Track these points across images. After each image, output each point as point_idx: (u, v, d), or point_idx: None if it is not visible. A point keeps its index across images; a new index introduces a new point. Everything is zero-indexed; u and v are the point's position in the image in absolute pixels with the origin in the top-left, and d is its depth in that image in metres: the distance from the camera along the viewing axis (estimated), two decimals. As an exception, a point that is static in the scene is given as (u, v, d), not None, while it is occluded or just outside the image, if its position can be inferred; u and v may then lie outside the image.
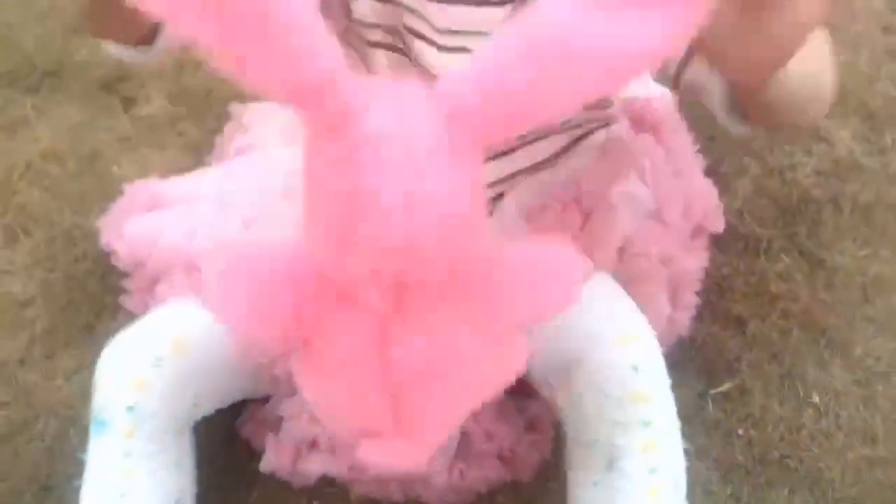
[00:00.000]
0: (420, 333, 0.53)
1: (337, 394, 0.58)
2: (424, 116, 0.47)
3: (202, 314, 0.87)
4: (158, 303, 0.99)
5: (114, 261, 1.11)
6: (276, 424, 1.00)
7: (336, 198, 0.47)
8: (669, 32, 0.45)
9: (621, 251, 1.00)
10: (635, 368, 0.81)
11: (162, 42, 0.79)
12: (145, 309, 1.03)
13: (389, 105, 0.47)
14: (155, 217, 1.10)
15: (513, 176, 0.98)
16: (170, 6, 0.44)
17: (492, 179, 0.96)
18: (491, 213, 0.97)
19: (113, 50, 0.80)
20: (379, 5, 0.85)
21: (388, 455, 0.59)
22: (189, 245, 1.01)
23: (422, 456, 0.59)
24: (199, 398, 0.91)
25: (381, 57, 0.89)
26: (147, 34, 0.77)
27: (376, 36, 0.88)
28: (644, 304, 0.99)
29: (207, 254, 0.72)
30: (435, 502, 1.00)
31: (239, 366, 0.92)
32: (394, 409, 0.56)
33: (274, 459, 0.98)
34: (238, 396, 1.00)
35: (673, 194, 1.08)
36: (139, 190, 1.14)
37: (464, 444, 0.98)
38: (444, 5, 0.81)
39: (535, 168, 1.00)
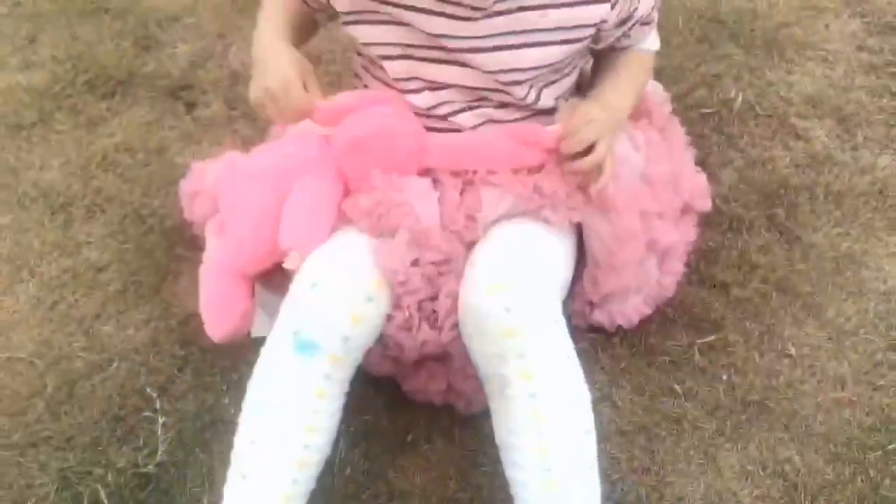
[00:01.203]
0: None
1: None
2: None
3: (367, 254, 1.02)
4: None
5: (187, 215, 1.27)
6: None
7: None
8: None
9: (605, 206, 1.11)
10: (508, 310, 0.94)
11: None
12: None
13: None
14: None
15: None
16: None
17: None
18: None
19: None
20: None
21: None
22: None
23: None
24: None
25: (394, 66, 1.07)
26: None
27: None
28: (630, 252, 1.14)
29: None
30: (463, 400, 1.15)
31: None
32: None
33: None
34: None
35: (661, 158, 1.21)
36: (201, 170, 1.29)
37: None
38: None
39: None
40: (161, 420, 1.19)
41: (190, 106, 1.58)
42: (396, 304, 1.02)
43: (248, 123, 1.55)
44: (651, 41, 1.19)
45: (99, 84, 1.61)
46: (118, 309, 1.31)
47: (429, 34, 1.04)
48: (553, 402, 0.95)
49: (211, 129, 1.54)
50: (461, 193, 1.09)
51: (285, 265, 1.01)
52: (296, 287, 0.99)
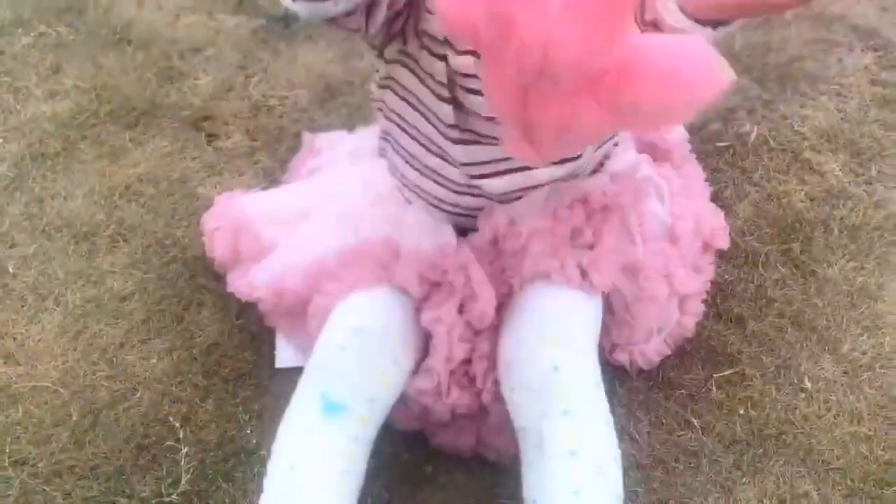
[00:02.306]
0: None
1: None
2: None
3: (400, 309, 1.06)
4: (320, 304, 1.11)
5: (260, 306, 1.24)
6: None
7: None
8: None
9: (634, 273, 1.16)
10: (556, 368, 0.98)
11: None
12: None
13: None
14: (273, 260, 1.24)
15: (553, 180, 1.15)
16: None
17: (545, 180, 1.14)
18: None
19: (300, 7, 0.88)
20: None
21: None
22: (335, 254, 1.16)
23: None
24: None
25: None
26: None
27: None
28: (652, 313, 1.17)
29: None
30: (493, 452, 1.16)
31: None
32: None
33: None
34: None
35: (685, 212, 1.26)
36: (226, 203, 1.33)
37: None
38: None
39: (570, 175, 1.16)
40: (184, 450, 1.20)
41: (212, 137, 1.61)
42: (426, 370, 1.06)
43: (269, 154, 1.57)
44: None
45: (122, 114, 1.64)
46: (141, 338, 1.33)
47: None
48: (591, 464, 0.96)
49: (232, 160, 1.56)
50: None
51: None
52: (323, 348, 1.02)
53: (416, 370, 1.10)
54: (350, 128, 1.53)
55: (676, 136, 1.37)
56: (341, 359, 1.00)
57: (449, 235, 1.15)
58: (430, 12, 0.96)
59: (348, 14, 0.90)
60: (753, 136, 1.57)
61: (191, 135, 1.61)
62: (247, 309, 1.30)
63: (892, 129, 1.58)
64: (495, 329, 1.09)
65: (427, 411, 1.10)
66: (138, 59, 1.74)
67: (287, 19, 1.83)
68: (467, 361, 1.09)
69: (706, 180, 1.42)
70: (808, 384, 1.25)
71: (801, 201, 1.47)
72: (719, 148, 1.54)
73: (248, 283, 1.24)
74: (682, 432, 1.21)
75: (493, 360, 1.08)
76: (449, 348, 1.06)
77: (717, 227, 1.29)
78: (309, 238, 1.21)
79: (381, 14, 0.92)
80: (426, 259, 1.10)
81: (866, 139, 1.56)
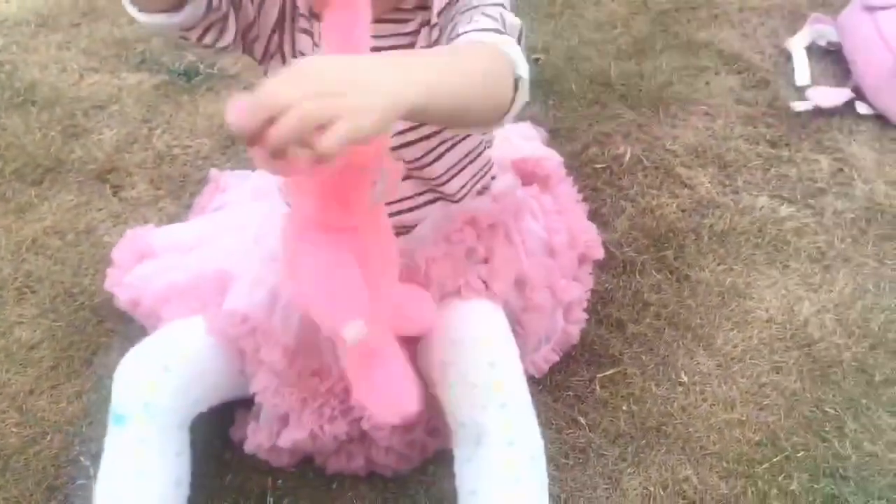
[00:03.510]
0: None
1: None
2: None
3: (199, 329, 1.13)
4: (162, 324, 1.21)
5: (115, 303, 1.35)
6: (255, 415, 1.22)
7: None
8: None
9: (521, 285, 1.24)
10: (492, 364, 1.05)
11: (192, 7, 0.92)
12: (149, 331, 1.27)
13: None
14: (147, 266, 1.35)
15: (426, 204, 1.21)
16: None
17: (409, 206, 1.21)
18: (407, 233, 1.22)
19: (144, 19, 0.92)
20: None
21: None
22: (182, 279, 1.24)
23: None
24: (198, 398, 1.13)
25: None
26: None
27: None
28: (539, 322, 1.26)
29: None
30: (388, 470, 1.23)
31: (227, 370, 1.16)
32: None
33: (254, 440, 1.20)
34: (227, 396, 1.21)
35: (559, 227, 1.35)
36: (135, 235, 1.40)
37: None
38: None
39: (445, 204, 1.25)
40: (95, 486, 1.23)
41: (117, 188, 1.66)
42: (297, 420, 1.16)
43: (173, 201, 1.63)
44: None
45: (27, 172, 1.68)
46: (51, 384, 1.36)
47: None
48: (527, 453, 1.04)
49: (138, 209, 1.62)
50: None
51: (350, 340, 0.89)
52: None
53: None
54: (252, 171, 1.60)
55: (553, 162, 1.47)
56: (118, 373, 1.09)
57: (258, 295, 1.18)
58: (303, 32, 1.03)
59: (190, 28, 0.95)
60: (628, 156, 1.69)
61: (96, 187, 1.66)
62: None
63: (755, 143, 1.72)
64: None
65: (306, 449, 1.20)
66: (42, 119, 1.79)
67: (188, 73, 1.90)
68: (335, 392, 1.16)
69: (584, 199, 1.53)
70: (684, 378, 1.35)
71: (673, 213, 1.58)
72: (597, 169, 1.66)
73: (118, 278, 1.34)
74: (570, 430, 1.29)
75: None
76: (287, 403, 1.15)
77: (590, 240, 1.38)
78: (180, 263, 1.28)
79: (230, 31, 0.99)
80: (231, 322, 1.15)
81: (732, 153, 1.70)
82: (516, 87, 0.87)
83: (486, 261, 1.19)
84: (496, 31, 0.90)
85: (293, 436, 1.16)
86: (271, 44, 1.06)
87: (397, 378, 0.98)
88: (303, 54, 1.06)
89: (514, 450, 1.03)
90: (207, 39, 0.99)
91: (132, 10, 0.93)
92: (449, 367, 1.07)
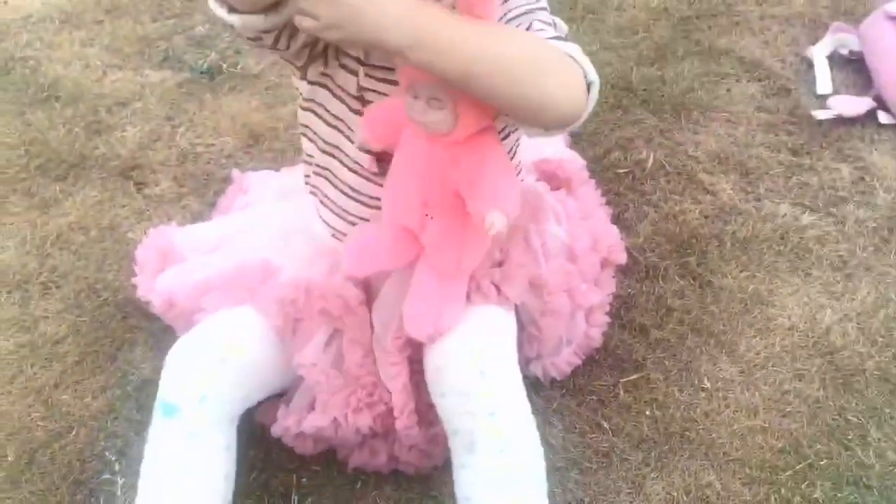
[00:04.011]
0: None
1: None
2: None
3: (251, 320, 1.13)
4: (203, 316, 1.18)
5: (151, 308, 1.34)
6: (287, 400, 1.22)
7: None
8: None
9: (539, 289, 1.24)
10: (482, 373, 1.05)
11: (287, 9, 0.93)
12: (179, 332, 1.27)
13: None
14: (175, 270, 1.34)
15: None
16: None
17: None
18: None
19: (233, 19, 0.93)
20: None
21: None
22: (217, 274, 1.23)
23: None
24: (250, 391, 1.13)
25: None
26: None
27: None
28: (556, 326, 1.26)
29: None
30: (411, 468, 1.23)
31: (278, 360, 1.16)
32: None
33: (283, 423, 1.19)
34: (273, 390, 1.21)
35: (581, 232, 1.36)
36: (158, 234, 1.40)
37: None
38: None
39: None
40: (120, 482, 1.24)
41: (140, 185, 1.67)
42: (322, 406, 1.16)
43: (196, 199, 1.64)
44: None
45: (51, 167, 1.69)
46: (75, 379, 1.37)
47: None
48: (518, 460, 1.05)
49: (161, 206, 1.62)
50: None
51: (488, 224, 0.95)
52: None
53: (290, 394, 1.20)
54: (276, 170, 1.61)
55: (575, 164, 1.48)
56: (170, 363, 1.08)
57: (315, 271, 1.19)
58: None
59: (270, 31, 0.97)
60: (651, 162, 1.69)
61: (120, 184, 1.67)
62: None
63: (776, 151, 1.72)
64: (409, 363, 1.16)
65: (330, 439, 1.19)
66: (66, 115, 1.80)
67: (211, 72, 1.91)
68: (364, 384, 1.16)
69: (606, 203, 1.53)
70: (707, 384, 1.35)
71: (696, 219, 1.59)
72: (619, 174, 1.66)
73: (150, 285, 1.33)
74: (593, 435, 1.29)
75: (408, 392, 1.15)
76: (322, 384, 1.14)
77: (613, 244, 1.39)
78: (210, 260, 1.28)
79: (302, 36, 1.00)
80: (295, 289, 1.15)
81: (754, 160, 1.70)
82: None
83: (500, 264, 1.20)
84: (557, 38, 0.95)
85: (317, 422, 1.16)
86: (315, 50, 1.07)
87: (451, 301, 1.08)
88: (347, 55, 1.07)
89: (505, 457, 1.04)
90: (281, 44, 1.00)
91: (220, 11, 0.95)
92: (441, 374, 1.08)
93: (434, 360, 1.10)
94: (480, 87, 0.89)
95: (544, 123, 0.95)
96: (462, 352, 1.07)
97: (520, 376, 1.10)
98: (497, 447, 1.04)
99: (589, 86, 0.95)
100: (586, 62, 0.95)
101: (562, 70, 0.92)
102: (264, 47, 1.01)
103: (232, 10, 0.94)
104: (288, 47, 1.02)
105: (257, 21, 0.94)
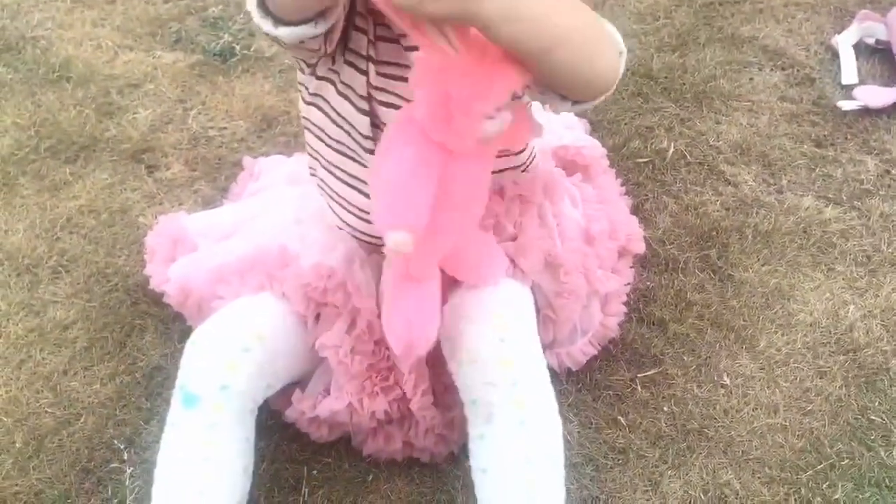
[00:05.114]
0: None
1: None
2: None
3: (271, 307, 1.11)
4: (220, 304, 1.17)
5: (165, 299, 1.33)
6: (302, 385, 1.20)
7: None
8: None
9: (554, 269, 1.22)
10: (502, 340, 1.03)
11: (334, 17, 0.92)
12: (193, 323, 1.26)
13: None
14: (190, 259, 1.32)
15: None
16: None
17: None
18: None
19: (281, 32, 0.92)
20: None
21: None
22: (234, 260, 1.22)
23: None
24: (271, 381, 1.11)
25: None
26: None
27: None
28: (572, 309, 1.23)
29: None
30: (426, 454, 1.21)
31: (300, 348, 1.14)
32: None
33: (298, 407, 1.17)
34: (292, 379, 1.19)
35: (599, 215, 1.32)
36: (169, 221, 1.38)
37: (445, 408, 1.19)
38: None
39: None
40: (128, 471, 1.23)
41: (152, 168, 1.65)
42: (336, 392, 1.14)
43: (208, 183, 1.61)
44: None
45: (62, 149, 1.67)
46: (84, 365, 1.35)
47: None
48: (538, 434, 1.02)
49: (172, 190, 1.60)
50: None
51: (390, 246, 0.88)
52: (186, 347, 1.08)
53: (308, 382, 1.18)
54: (288, 155, 1.58)
55: (595, 151, 1.45)
56: (191, 351, 1.06)
57: (334, 257, 1.18)
58: (357, 29, 1.03)
59: (318, 37, 0.95)
60: (671, 151, 1.65)
61: (131, 167, 1.64)
62: (188, 332, 1.33)
63: (799, 142, 1.68)
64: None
65: (344, 425, 1.17)
66: (77, 96, 1.77)
67: (224, 54, 1.88)
68: (379, 369, 1.14)
69: (626, 193, 1.50)
70: (727, 380, 1.32)
71: (717, 210, 1.55)
72: (639, 164, 1.63)
73: (162, 275, 1.31)
74: (610, 431, 1.27)
75: (422, 372, 1.14)
76: (345, 367, 1.12)
77: (631, 233, 1.36)
78: (224, 247, 1.26)
79: (338, 34, 0.98)
80: (318, 276, 1.13)
81: (776, 151, 1.66)
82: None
83: (514, 238, 1.18)
84: None
85: (332, 405, 1.14)
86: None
87: (422, 314, 0.97)
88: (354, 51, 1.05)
89: (526, 430, 1.01)
90: (322, 48, 0.98)
91: (266, 26, 0.93)
92: (459, 341, 1.05)
93: (450, 330, 1.07)
94: (557, 61, 0.86)
95: (588, 95, 0.94)
96: (479, 319, 1.05)
97: (541, 350, 1.08)
98: (518, 419, 1.01)
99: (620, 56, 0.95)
100: (615, 31, 0.96)
101: (609, 42, 0.93)
102: (304, 51, 0.99)
103: (278, 22, 0.92)
104: (326, 51, 1.00)
105: (307, 30, 0.92)
